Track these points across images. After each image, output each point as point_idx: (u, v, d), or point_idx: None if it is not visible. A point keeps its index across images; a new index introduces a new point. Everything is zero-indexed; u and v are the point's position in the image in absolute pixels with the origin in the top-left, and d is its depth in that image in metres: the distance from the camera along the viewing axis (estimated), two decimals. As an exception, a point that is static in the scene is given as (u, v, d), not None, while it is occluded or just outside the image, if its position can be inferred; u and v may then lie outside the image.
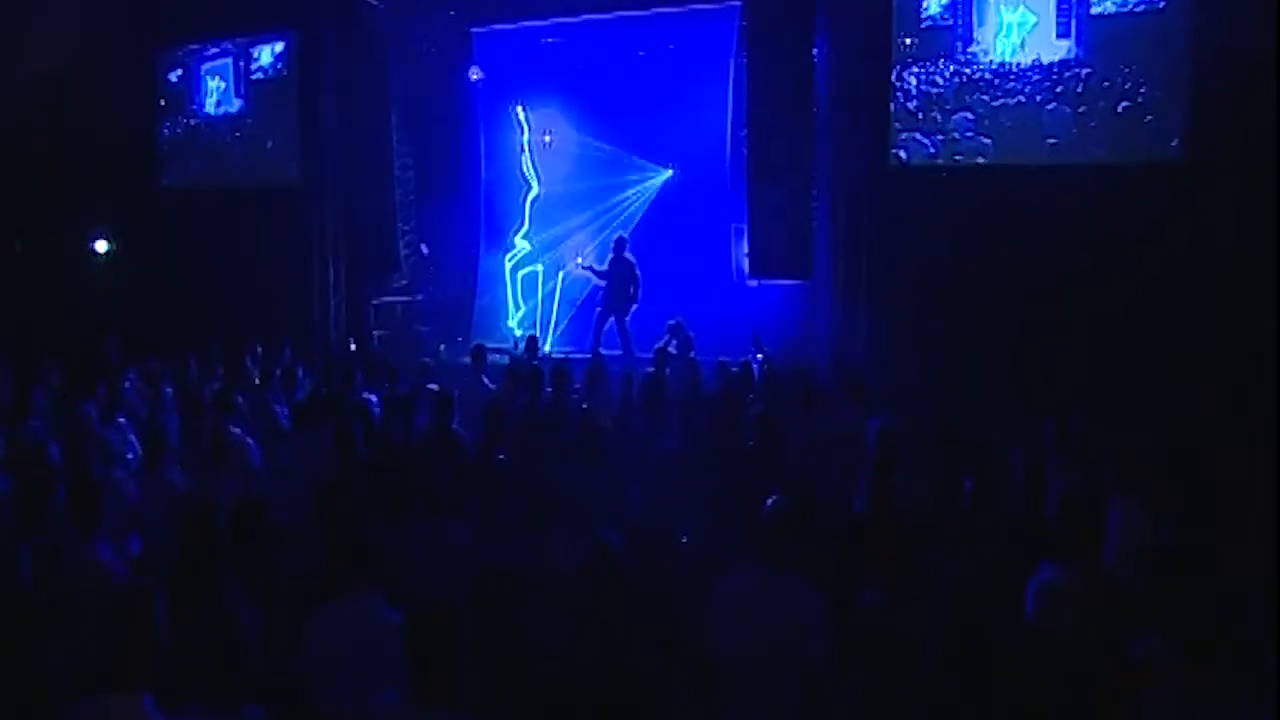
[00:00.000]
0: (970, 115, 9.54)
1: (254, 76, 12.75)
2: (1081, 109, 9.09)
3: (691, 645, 3.88)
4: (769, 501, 4.04)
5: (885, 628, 3.45)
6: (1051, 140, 9.19)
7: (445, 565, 4.66)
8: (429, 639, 3.11)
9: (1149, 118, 8.87)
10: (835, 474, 6.11)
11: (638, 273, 11.70)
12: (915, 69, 9.68)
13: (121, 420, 7.07)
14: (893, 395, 7.82)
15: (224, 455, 5.53)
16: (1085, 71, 9.05)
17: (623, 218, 12.97)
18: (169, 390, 7.67)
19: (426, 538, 4.83)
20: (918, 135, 9.73)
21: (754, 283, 11.37)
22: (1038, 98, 9.21)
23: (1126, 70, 8.91)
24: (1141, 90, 8.88)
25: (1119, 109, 8.97)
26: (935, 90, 9.65)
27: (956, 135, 9.59)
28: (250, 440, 6.55)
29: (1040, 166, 9.19)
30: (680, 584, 4.64)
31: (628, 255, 11.77)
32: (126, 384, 7.31)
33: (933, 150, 9.71)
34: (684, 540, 5.25)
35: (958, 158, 9.61)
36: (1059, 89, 9.19)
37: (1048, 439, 6.24)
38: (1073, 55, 9.06)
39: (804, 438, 6.73)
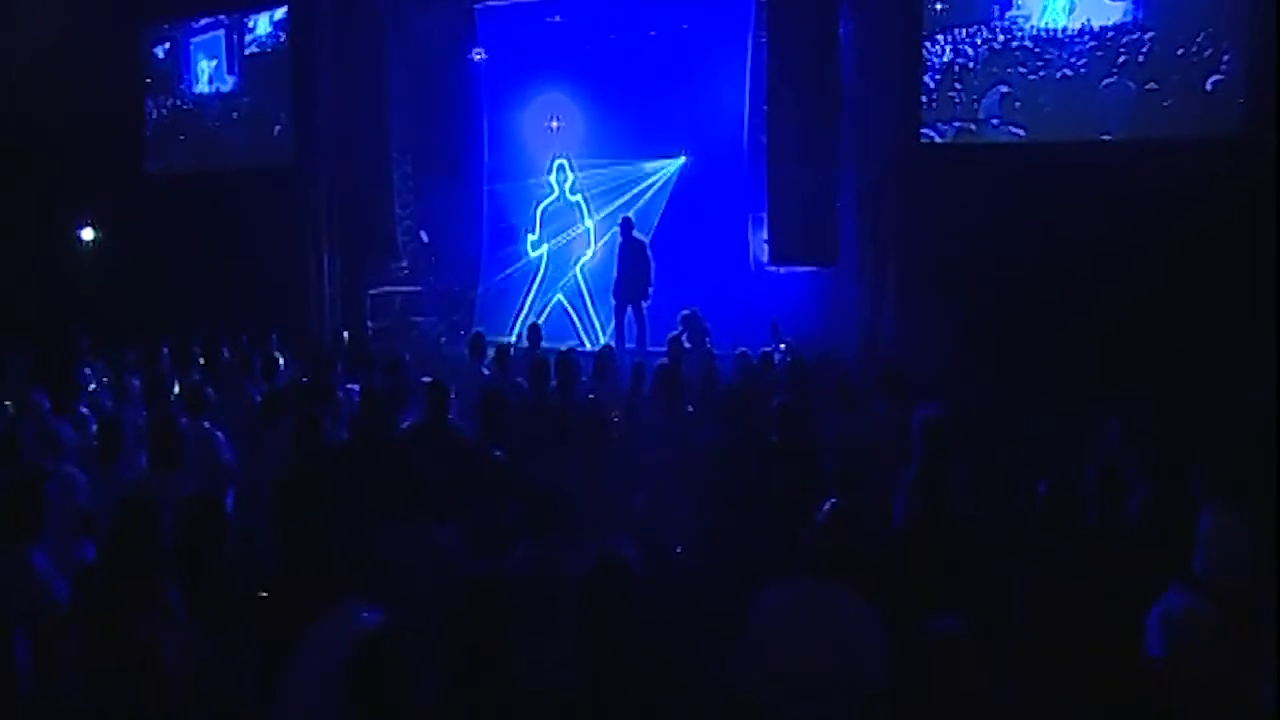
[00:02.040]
0: (1006, 88, 8.78)
1: (248, 51, 12.08)
2: (1151, 85, 7.97)
3: (720, 673, 3.39)
4: (826, 507, 3.54)
5: (964, 660, 2.78)
6: (1106, 136, 8.17)
7: (427, 575, 4.02)
8: (381, 663, 2.67)
9: (1242, 100, 7.71)
10: (875, 473, 5.52)
11: (649, 254, 11.18)
12: (944, 39, 8.91)
13: (84, 412, 6.48)
14: (926, 389, 7.21)
15: (174, 451, 4.88)
16: (1149, 37, 7.97)
17: (634, 207, 12.42)
18: (136, 381, 7.05)
19: (407, 543, 4.19)
20: (942, 118, 8.95)
21: (775, 268, 10.82)
22: (1083, 68, 8.41)
23: (1202, 36, 7.76)
24: (1225, 60, 7.72)
25: (1208, 86, 7.80)
26: (962, 63, 8.88)
27: (979, 119, 8.77)
28: (220, 434, 5.98)
29: (1085, 143, 8.45)
30: (703, 600, 4.04)
31: (637, 235, 11.27)
32: (87, 372, 6.66)
33: (942, 141, 8.94)
34: (679, 550, 4.71)
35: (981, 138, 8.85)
36: (1120, 59, 8.12)
37: (1114, 437, 5.56)
38: (1130, 18, 8.11)
39: (836, 433, 6.12)
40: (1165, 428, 5.66)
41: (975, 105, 8.89)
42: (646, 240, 11.30)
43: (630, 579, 3.23)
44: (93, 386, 6.64)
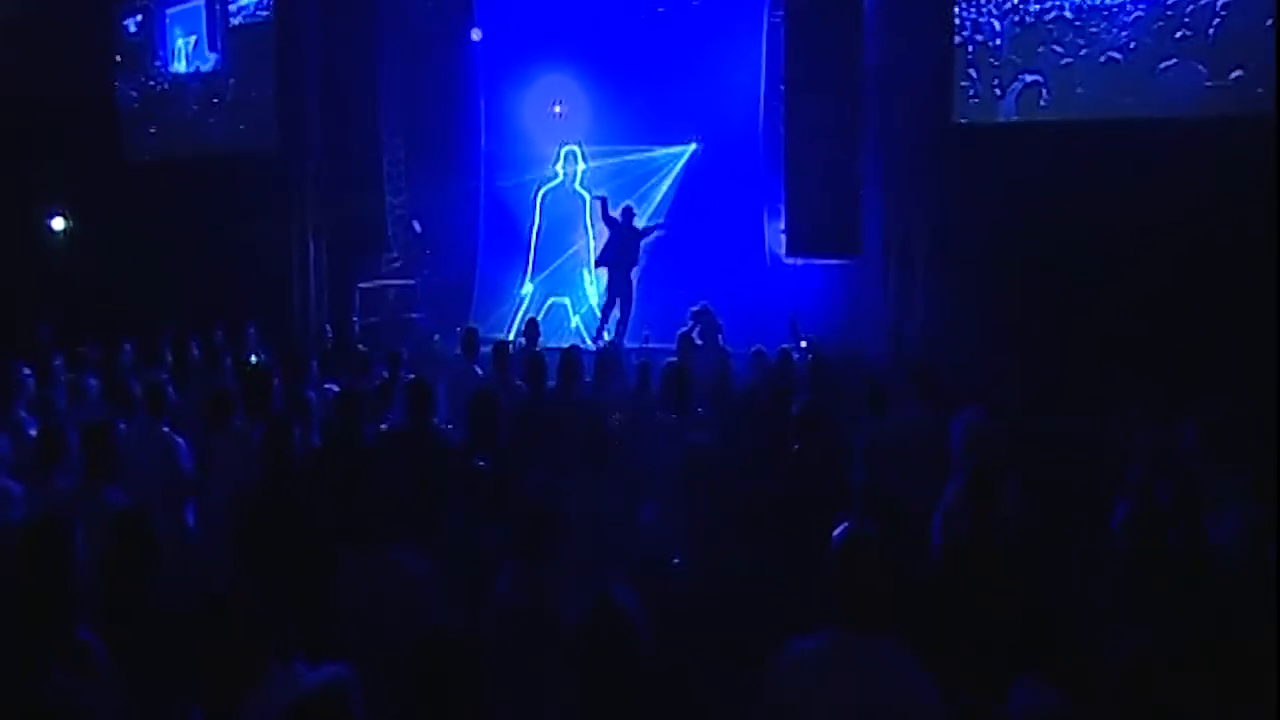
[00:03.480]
0: (1030, 76, 8.14)
1: (233, 23, 11.41)
2: (1236, 74, 6.65)
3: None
4: (841, 532, 2.86)
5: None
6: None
7: (391, 614, 3.42)
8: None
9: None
10: (908, 484, 4.97)
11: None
12: (961, 9, 8.21)
13: (23, 414, 5.93)
14: (958, 389, 6.66)
15: (106, 460, 4.28)
16: (1220, 4, 6.72)
17: (643, 197, 11.98)
18: (93, 381, 6.49)
19: (369, 576, 3.58)
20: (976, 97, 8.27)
21: (793, 261, 10.33)
22: (1133, 47, 7.62)
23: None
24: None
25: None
26: (981, 40, 8.21)
27: (995, 120, 8.09)
28: (180, 440, 5.43)
29: (1133, 121, 7.79)
30: (718, 643, 3.43)
31: (615, 215, 11.03)
32: (25, 371, 6.10)
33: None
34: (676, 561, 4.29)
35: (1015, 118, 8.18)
36: (1181, 34, 6.82)
37: (1190, 444, 4.89)
38: (1192, -20, 7.16)
39: (865, 440, 5.57)
40: (1245, 434, 5.02)
41: (995, 97, 8.13)
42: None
43: (631, 632, 2.63)
44: (33, 386, 6.05)
